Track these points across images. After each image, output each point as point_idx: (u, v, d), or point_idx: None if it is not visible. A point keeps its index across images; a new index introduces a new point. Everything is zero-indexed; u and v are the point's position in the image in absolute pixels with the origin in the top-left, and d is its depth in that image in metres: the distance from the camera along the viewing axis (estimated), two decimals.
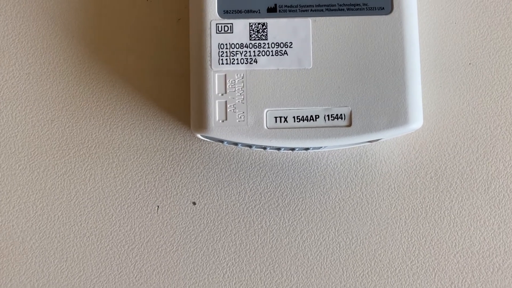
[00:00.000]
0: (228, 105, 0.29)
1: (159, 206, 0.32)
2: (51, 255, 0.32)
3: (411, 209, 0.32)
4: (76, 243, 0.32)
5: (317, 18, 0.29)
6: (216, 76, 0.29)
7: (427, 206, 0.32)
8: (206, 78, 0.29)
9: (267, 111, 0.29)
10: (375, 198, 0.32)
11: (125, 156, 0.32)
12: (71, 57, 0.33)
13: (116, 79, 0.33)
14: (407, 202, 0.32)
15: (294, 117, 0.29)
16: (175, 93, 0.32)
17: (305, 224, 0.32)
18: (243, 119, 0.28)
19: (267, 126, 0.29)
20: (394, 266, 0.32)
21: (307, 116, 0.29)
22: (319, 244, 0.32)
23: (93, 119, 0.33)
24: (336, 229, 0.32)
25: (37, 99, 0.33)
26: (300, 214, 0.32)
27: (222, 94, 0.29)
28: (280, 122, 0.28)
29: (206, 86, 0.28)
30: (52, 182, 0.32)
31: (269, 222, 0.32)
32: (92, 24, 0.33)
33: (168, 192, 0.32)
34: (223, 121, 0.28)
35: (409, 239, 0.32)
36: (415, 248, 0.32)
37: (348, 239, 0.32)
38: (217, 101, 0.29)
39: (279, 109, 0.29)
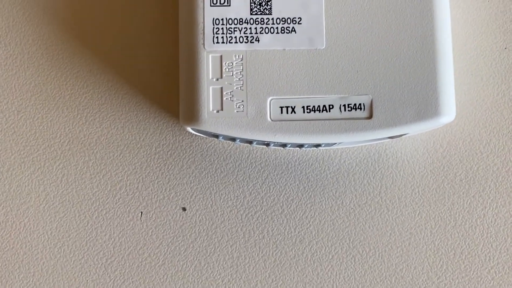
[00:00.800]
0: (224, 93, 0.27)
1: (143, 212, 0.32)
2: (16, 269, 0.31)
3: (438, 217, 0.31)
4: (45, 254, 0.31)
5: None
6: (210, 57, 0.27)
7: (456, 213, 0.32)
8: (198, 60, 0.27)
9: (271, 99, 0.27)
10: (396, 204, 0.32)
11: (103, 153, 0.32)
12: (41, 37, 0.32)
13: (93, 63, 0.32)
14: (433, 208, 0.31)
15: (303, 107, 0.27)
16: (163, 79, 0.31)
17: (315, 234, 0.31)
18: (242, 110, 0.27)
19: (271, 118, 0.27)
20: (418, 283, 0.31)
21: (319, 106, 0.28)
22: (330, 257, 0.31)
23: (66, 110, 0.32)
24: (351, 240, 0.31)
25: (1, 86, 0.32)
26: (309, 222, 0.31)
27: (217, 79, 0.27)
28: (287, 113, 0.27)
29: (198, 70, 0.27)
30: (18, 183, 0.31)
31: (272, 231, 0.32)
32: None
33: (153, 196, 0.32)
34: (218, 112, 0.27)
35: (436, 252, 0.31)
36: (443, 262, 0.31)
37: (364, 252, 0.31)
38: (211, 88, 0.27)
39: (285, 97, 0.27)
